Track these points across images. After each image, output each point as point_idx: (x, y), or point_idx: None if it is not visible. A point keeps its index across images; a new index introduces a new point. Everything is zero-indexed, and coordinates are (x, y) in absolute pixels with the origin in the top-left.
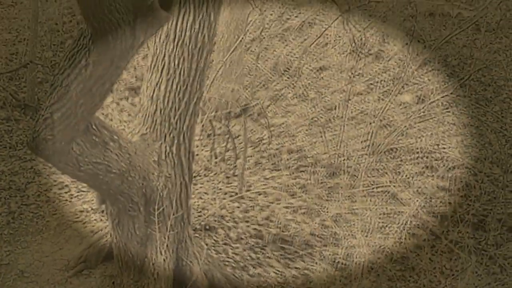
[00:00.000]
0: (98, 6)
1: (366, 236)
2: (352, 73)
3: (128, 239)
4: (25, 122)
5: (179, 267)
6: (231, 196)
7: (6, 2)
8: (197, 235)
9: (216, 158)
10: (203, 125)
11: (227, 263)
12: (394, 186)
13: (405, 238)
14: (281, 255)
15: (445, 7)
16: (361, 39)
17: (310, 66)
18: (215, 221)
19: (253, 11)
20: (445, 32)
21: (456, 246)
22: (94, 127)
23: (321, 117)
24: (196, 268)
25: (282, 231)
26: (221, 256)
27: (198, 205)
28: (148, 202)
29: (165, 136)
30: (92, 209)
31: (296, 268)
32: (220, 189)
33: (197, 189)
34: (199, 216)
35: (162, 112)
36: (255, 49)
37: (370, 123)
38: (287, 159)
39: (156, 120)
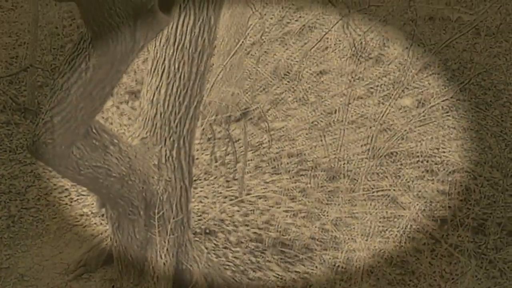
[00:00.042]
0: (98, 10)
1: (366, 240)
2: (352, 77)
3: (128, 242)
4: (25, 125)
5: (179, 271)
6: (231, 200)
7: (6, 6)
8: (197, 239)
9: (216, 162)
10: (203, 129)
11: (227, 267)
12: (394, 190)
13: (405, 242)
14: (281, 259)
15: (445, 11)
16: (361, 43)
17: (310, 70)
18: (215, 225)
19: (253, 15)
20: (445, 36)
21: (456, 250)
22: (94, 130)
23: (321, 121)
24: (196, 272)
25: (282, 235)
26: (221, 260)
27: (198, 209)
28: (148, 206)
29: (165, 139)
30: (92, 212)
31: (296, 272)
32: (220, 193)
33: (197, 193)
34: (199, 220)
35: (162, 115)
36: (255, 53)
37: (370, 127)
38: (287, 163)
39: (156, 124)
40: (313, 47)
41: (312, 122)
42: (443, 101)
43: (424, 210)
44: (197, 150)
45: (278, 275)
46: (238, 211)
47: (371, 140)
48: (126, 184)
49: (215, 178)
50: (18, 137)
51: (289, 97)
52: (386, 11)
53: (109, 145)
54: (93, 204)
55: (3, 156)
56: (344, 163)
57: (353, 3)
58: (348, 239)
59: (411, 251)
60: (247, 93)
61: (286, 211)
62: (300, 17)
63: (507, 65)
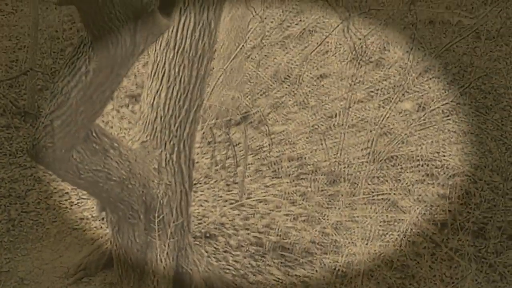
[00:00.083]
0: (98, 14)
1: (367, 243)
2: (352, 81)
3: (128, 246)
4: (25, 129)
5: (179, 275)
6: (231, 203)
7: (6, 10)
8: (197, 242)
9: (216, 165)
10: (203, 133)
11: (227, 270)
12: (394, 194)
13: (405, 246)
14: (281, 262)
15: (445, 15)
16: (361, 46)
17: (310, 73)
18: (216, 228)
19: (254, 18)
20: (445, 40)
21: (456, 254)
22: (94, 134)
23: (322, 125)
24: (196, 275)
25: (283, 239)
26: (221, 264)
27: (199, 212)
28: (148, 209)
29: (166, 143)
30: (92, 216)
31: (296, 275)
32: (221, 196)
33: (197, 197)
34: (200, 223)
35: (162, 119)
36: (255, 57)
37: (371, 131)
38: (288, 167)
39: (156, 128)
40: (314, 51)
41: (313, 126)
42: (443, 104)
43: (424, 214)
44: (197, 153)
45: (278, 279)
46: (238, 214)
47: (372, 144)
48: (126, 188)
49: (215, 181)
50: (18, 140)
51: (290, 100)
52: (386, 15)
53: (109, 148)
54: (93, 207)
55: (3, 160)
56: (344, 167)
57: (353, 7)
58: (349, 243)
59: (411, 255)
60: (247, 96)
61: (287, 215)
62: (300, 21)
63: (507, 69)
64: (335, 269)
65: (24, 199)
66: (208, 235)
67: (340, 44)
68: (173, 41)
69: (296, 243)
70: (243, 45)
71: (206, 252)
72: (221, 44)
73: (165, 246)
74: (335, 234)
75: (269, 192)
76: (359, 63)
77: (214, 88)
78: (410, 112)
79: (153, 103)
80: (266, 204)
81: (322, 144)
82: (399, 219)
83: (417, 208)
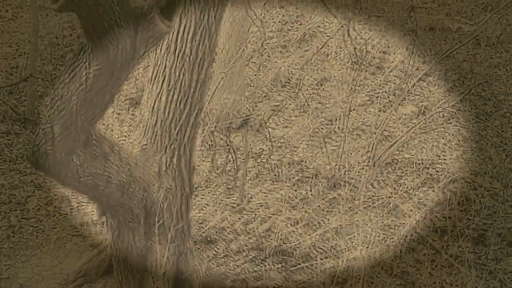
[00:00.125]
0: (98, 20)
1: (367, 248)
2: (353, 85)
3: (128, 251)
4: (25, 135)
5: (179, 280)
6: (232, 208)
7: (7, 16)
8: (197, 247)
9: (217, 169)
10: (204, 137)
11: (227, 275)
12: (395, 198)
13: (405, 253)
14: (282, 267)
15: (445, 22)
16: (362, 51)
17: (311, 77)
18: (216, 233)
19: (254, 22)
20: (445, 47)
21: (456, 261)
22: (94, 138)
23: (322, 129)
24: (196, 280)
25: (283, 243)
26: (222, 268)
27: (199, 217)
28: (148, 214)
29: (166, 147)
30: (92, 222)
31: (295, 281)
32: (221, 201)
33: (198, 201)
34: (200, 228)
35: (163, 123)
36: (256, 61)
37: (371, 135)
38: (288, 171)
39: (157, 132)
40: (314, 55)
41: (313, 130)
42: (443, 109)
43: (424, 219)
44: (198, 158)
45: (278, 284)
46: (239, 219)
47: (372, 148)
48: (127, 192)
49: (216, 186)
50: (18, 147)
51: (290, 105)
52: (387, 21)
53: (109, 152)
54: (93, 213)
55: (3, 166)
56: (345, 171)
57: (353, 14)
58: (349, 247)
59: (411, 261)
60: (248, 100)
61: (287, 219)
62: (301, 25)
63: (507, 76)
64: (334, 275)
65: (24, 205)
66: (208, 239)
67: (340, 49)
68: (174, 45)
69: (297, 248)
70: (243, 49)
71: (207, 256)
72: (221, 48)
73: (165, 250)
74: (336, 239)
75: (269, 196)
76: (359, 68)
77: (214, 92)
78: (410, 116)
79: (153, 107)
80: (266, 209)
81: (322, 148)
82: (400, 224)
83: (418, 213)
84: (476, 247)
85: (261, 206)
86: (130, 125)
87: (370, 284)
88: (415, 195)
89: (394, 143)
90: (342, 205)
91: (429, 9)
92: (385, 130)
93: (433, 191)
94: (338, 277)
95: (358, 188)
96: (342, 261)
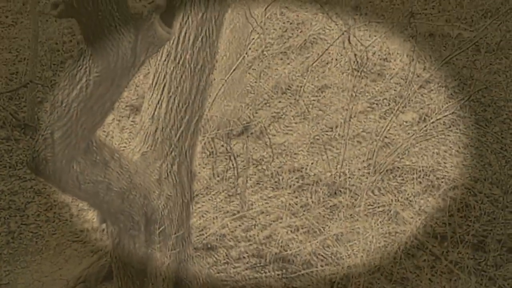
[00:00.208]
0: (98, 26)
1: (367, 256)
2: (353, 92)
3: (128, 258)
4: (25, 141)
5: (180, 287)
6: (232, 215)
7: (7, 22)
8: (198, 254)
9: (217, 177)
10: (204, 144)
11: (227, 282)
12: (395, 205)
13: (404, 259)
14: (282, 274)
15: (445, 28)
16: (362, 58)
17: (311, 85)
18: (216, 240)
19: (254, 30)
20: (445, 53)
21: (456, 267)
22: (95, 145)
23: (323, 136)
24: (196, 287)
25: (283, 250)
26: (222, 275)
27: (199, 224)
28: (149, 221)
29: (166, 154)
30: (92, 228)
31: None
32: (221, 208)
33: (198, 208)
34: (200, 235)
35: (163, 130)
36: (256, 68)
37: (372, 142)
38: (288, 178)
39: (157, 139)
40: (315, 62)
41: (314, 137)
42: (444, 116)
43: (425, 226)
44: (198, 165)
45: None
46: (239, 226)
47: (373, 155)
48: (127, 199)
49: (216, 193)
50: (18, 153)
51: (291, 112)
52: (387, 27)
53: (109, 160)
54: (93, 219)
55: (3, 172)
56: (345, 178)
57: (353, 21)
58: (349, 255)
59: (411, 267)
60: (248, 108)
61: (287, 226)
62: (301, 32)
63: (507, 82)
64: (334, 281)
65: (24, 211)
66: (209, 246)
67: (341, 56)
68: (174, 52)
69: (297, 255)
70: (244, 57)
71: (207, 263)
72: (222, 55)
73: (166, 257)
74: (336, 246)
75: (270, 203)
76: (360, 75)
77: (215, 99)
78: (411, 123)
79: (154, 114)
80: (267, 216)
81: (323, 155)
82: (400, 231)
83: (418, 220)
84: (476, 253)
85: (262, 213)
86: (130, 132)
87: None
88: (415, 202)
89: (395, 150)
90: (343, 212)
91: (429, 15)
92: (386, 137)
93: (434, 198)
94: (338, 283)
95: (358, 195)
96: (342, 267)
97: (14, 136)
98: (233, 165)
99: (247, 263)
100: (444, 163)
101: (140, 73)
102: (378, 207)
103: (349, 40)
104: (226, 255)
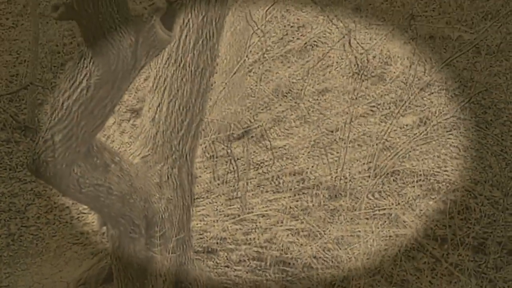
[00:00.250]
0: (98, 28)
1: (367, 258)
2: (354, 95)
3: (128, 261)
4: (25, 144)
5: None
6: (232, 218)
7: (7, 24)
8: (198, 257)
9: (217, 180)
10: (204, 147)
11: (228, 285)
12: (396, 208)
13: (405, 261)
14: (282, 277)
15: (445, 30)
16: (363, 61)
17: (312, 88)
18: (216, 243)
19: (255, 33)
20: (445, 55)
21: (456, 269)
22: (95, 149)
23: (323, 139)
24: None
25: (284, 254)
26: (222, 279)
27: (200, 227)
28: (149, 224)
29: (167, 158)
30: (92, 231)
31: None
32: (222, 211)
33: (198, 211)
34: (201, 238)
35: (163, 134)
36: (257, 71)
37: (372, 145)
38: (289, 181)
39: (157, 142)
40: (315, 65)
41: (314, 141)
42: (445, 119)
43: (425, 228)
44: (199, 168)
45: None
46: (239, 229)
47: (373, 158)
48: (127, 203)
49: (216, 196)
50: (18, 155)
51: (291, 115)
52: (387, 30)
53: (110, 163)
54: (93, 222)
55: (3, 174)
56: (346, 182)
57: (354, 24)
58: (350, 258)
59: (411, 270)
60: (248, 111)
61: (288, 230)
62: (301, 35)
63: (508, 84)
64: (334, 284)
65: (24, 213)
66: (209, 249)
67: (341, 59)
68: (175, 55)
69: (298, 258)
70: (244, 60)
71: (207, 266)
72: (222, 59)
73: (166, 261)
74: (337, 249)
75: (270, 206)
76: (360, 78)
77: (215, 102)
78: (411, 126)
79: (154, 117)
80: (267, 219)
81: (323, 158)
82: (400, 234)
83: (419, 223)
84: (476, 256)
85: (262, 216)
86: (131, 135)
87: None
88: (416, 205)
89: (395, 153)
90: (343, 215)
91: (429, 17)
92: (386, 140)
93: (434, 201)
94: (338, 286)
95: (359, 198)
96: (343, 270)
97: (14, 138)
98: (233, 168)
99: (247, 266)
100: (445, 166)
101: (141, 76)
102: (379, 210)
103: (349, 43)
104: (227, 258)
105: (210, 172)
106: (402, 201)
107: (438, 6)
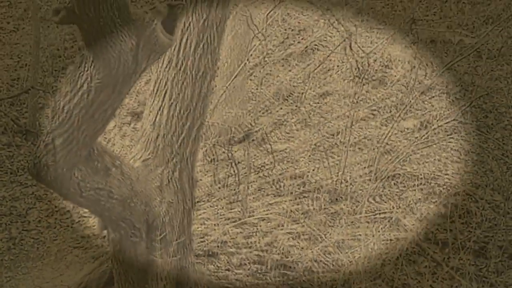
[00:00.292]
0: (99, 33)
1: (368, 262)
2: (355, 99)
3: (129, 265)
4: (26, 147)
5: None
6: (233, 221)
7: (8, 28)
8: (199, 261)
9: (218, 183)
10: (205, 151)
11: None
12: (397, 212)
13: (406, 265)
14: (283, 281)
15: (446, 34)
16: (364, 64)
17: (313, 91)
18: (217, 247)
19: (256, 36)
20: (446, 59)
21: (457, 273)
22: (96, 152)
23: (324, 143)
24: None
25: (285, 257)
26: (223, 282)
27: (200, 230)
28: (150, 228)
29: (168, 161)
30: (93, 234)
31: None
32: (223, 214)
33: (199, 215)
34: (202, 242)
35: (164, 137)
36: (258, 75)
37: (373, 149)
38: (290, 185)
39: (158, 146)
40: (316, 69)
41: (315, 144)
42: (446, 123)
43: (426, 232)
44: (200, 172)
45: None
46: (240, 233)
47: (374, 162)
48: (128, 206)
49: (217, 200)
50: (19, 159)
51: (292, 118)
52: (388, 34)
53: (111, 167)
54: (94, 226)
55: (4, 178)
56: (347, 185)
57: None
58: (351, 261)
59: (412, 274)
60: (249, 114)
61: (289, 233)
62: (302, 38)
63: (509, 88)
64: (335, 287)
65: (25, 217)
66: (210, 253)
67: (342, 62)
68: (175, 59)
69: (298, 262)
70: (245, 63)
71: (208, 270)
72: (223, 62)
73: (167, 264)
74: (338, 253)
75: (271, 210)
76: (361, 81)
77: (216, 106)
78: (412, 130)
79: (155, 121)
80: (268, 222)
81: (324, 162)
82: (401, 238)
83: (419, 227)
84: (477, 260)
85: (263, 219)
86: (131, 139)
87: None
88: (417, 209)
89: (396, 157)
90: (344, 218)
91: (430, 21)
92: (387, 144)
93: (435, 205)
94: None
95: (360, 202)
96: (344, 274)
97: (16, 142)
98: (234, 171)
99: (248, 270)
100: (446, 170)
101: (142, 80)
102: (380, 214)
103: (350, 46)
104: (227, 262)
105: (211, 175)
106: (403, 205)
107: (439, 10)
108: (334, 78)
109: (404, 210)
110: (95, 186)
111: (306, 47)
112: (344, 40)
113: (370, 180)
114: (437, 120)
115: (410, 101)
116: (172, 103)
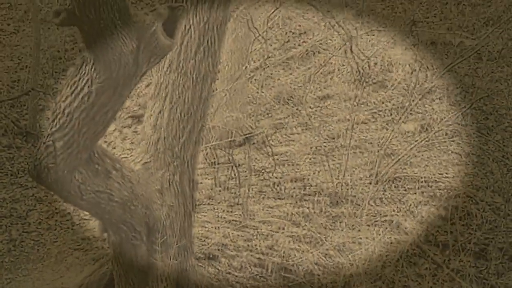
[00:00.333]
0: (100, 34)
1: (369, 265)
2: (355, 102)
3: (130, 268)
4: (26, 149)
5: None
6: (234, 224)
7: (8, 30)
8: (199, 264)
9: (219, 186)
10: (206, 154)
11: None
12: (397, 215)
13: (406, 267)
14: (284, 284)
15: (447, 36)
16: (364, 67)
17: (313, 94)
18: (218, 250)
19: (257, 39)
20: (447, 61)
21: (457, 275)
22: (96, 155)
23: (325, 146)
24: None
25: (285, 260)
26: (224, 285)
27: (201, 233)
28: (151, 231)
29: (168, 164)
30: (93, 237)
31: None
32: (223, 217)
33: (200, 218)
34: (202, 245)
35: (165, 140)
36: (258, 78)
37: (374, 152)
38: (290, 188)
39: (159, 149)
40: (317, 71)
41: (316, 147)
42: (446, 126)
43: (426, 234)
44: (200, 174)
45: None
46: (241, 236)
47: (375, 165)
48: (129, 209)
49: (218, 203)
50: (20, 160)
51: (292, 121)
52: (388, 36)
53: (111, 170)
54: (94, 228)
55: (5, 180)
56: (347, 188)
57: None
58: (351, 264)
59: (413, 276)
60: (250, 117)
61: (289, 236)
62: (303, 41)
63: (509, 90)
64: None
65: (26, 219)
66: (210, 256)
67: (343, 65)
68: (176, 62)
69: (299, 265)
70: (246, 66)
71: (209, 273)
72: (224, 65)
73: (167, 267)
74: (338, 256)
75: (272, 213)
76: (362, 84)
77: (217, 109)
78: (413, 133)
79: (155, 124)
80: (268, 225)
81: (325, 165)
82: (402, 241)
83: (420, 229)
84: (478, 262)
85: (264, 222)
86: (132, 142)
87: None
88: (418, 211)
89: (397, 160)
90: (345, 222)
91: (430, 23)
92: (388, 147)
93: (436, 208)
94: None
95: (360, 205)
96: (344, 277)
97: (16, 144)
98: (235, 174)
99: (249, 272)
100: (446, 172)
101: (142, 83)
102: (380, 217)
103: (351, 49)
104: (228, 265)
105: (212, 178)
106: (404, 208)
107: (440, 12)
108: (335, 81)
109: (404, 213)
110: (95, 189)
111: (307, 50)
112: (345, 43)
113: (370, 183)
114: (438, 123)
115: (411, 104)
116: (172, 106)
